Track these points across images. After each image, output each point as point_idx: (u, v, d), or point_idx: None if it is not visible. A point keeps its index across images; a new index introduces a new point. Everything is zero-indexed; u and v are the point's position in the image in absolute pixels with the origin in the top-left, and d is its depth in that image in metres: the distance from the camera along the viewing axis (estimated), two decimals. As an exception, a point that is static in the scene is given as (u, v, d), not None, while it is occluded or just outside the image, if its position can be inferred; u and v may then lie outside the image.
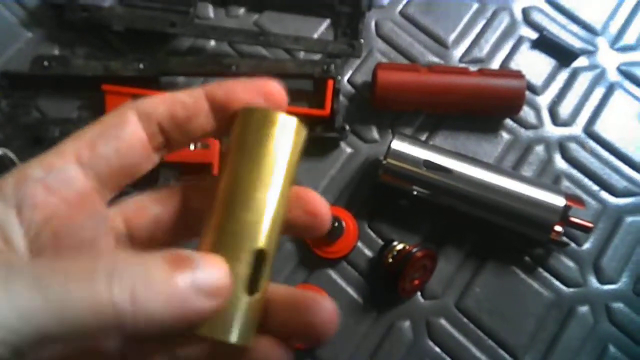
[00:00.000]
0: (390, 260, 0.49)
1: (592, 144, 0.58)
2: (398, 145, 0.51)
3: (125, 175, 0.26)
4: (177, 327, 0.20)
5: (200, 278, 0.21)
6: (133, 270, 0.20)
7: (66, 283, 0.18)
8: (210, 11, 0.61)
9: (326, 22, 0.62)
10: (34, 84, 0.56)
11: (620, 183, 0.56)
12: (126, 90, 0.54)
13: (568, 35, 0.63)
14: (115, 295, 0.19)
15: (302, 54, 0.61)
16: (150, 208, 0.28)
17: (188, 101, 0.25)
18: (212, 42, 0.61)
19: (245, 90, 0.25)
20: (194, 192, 0.28)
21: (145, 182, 0.51)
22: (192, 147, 0.52)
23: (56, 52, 0.59)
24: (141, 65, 0.55)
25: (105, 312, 0.19)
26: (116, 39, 0.59)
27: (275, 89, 0.26)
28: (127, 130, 0.25)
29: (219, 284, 0.22)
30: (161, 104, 0.25)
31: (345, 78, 0.60)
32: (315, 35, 0.61)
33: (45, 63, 0.55)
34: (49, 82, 0.56)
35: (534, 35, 0.63)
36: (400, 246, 0.49)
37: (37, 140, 0.53)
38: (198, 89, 0.26)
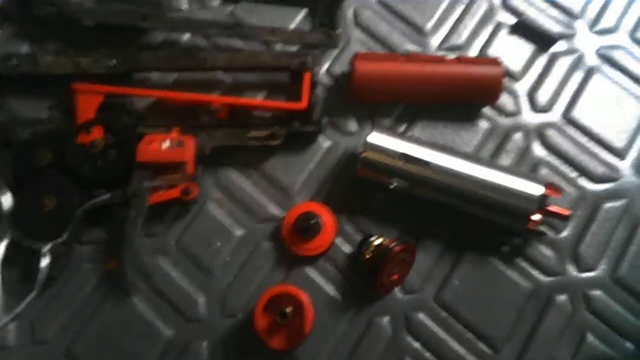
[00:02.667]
0: (369, 255, 0.49)
1: (571, 129, 0.58)
2: (375, 138, 0.51)
3: None
4: None
5: None
6: None
7: None
8: (184, 2, 0.60)
9: (303, 12, 0.61)
10: (2, 84, 0.55)
11: (599, 169, 0.56)
12: (97, 88, 0.53)
13: (546, 19, 0.62)
14: None
15: (278, 46, 0.59)
16: None
17: None
18: (187, 35, 0.59)
19: None
20: None
21: (119, 182, 0.50)
22: (166, 144, 0.51)
23: (25, 49, 0.57)
24: (113, 62, 0.54)
25: None
26: (87, 35, 0.58)
27: None
28: None
29: None
30: None
31: (324, 69, 0.59)
32: (292, 26, 0.60)
33: (14, 61, 0.54)
34: (17, 81, 0.54)
35: (512, 20, 0.62)
36: (378, 241, 0.49)
37: (6, 142, 0.51)
38: None
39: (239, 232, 0.52)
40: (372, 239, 0.50)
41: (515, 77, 0.60)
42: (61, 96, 0.54)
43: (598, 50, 0.61)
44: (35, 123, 0.53)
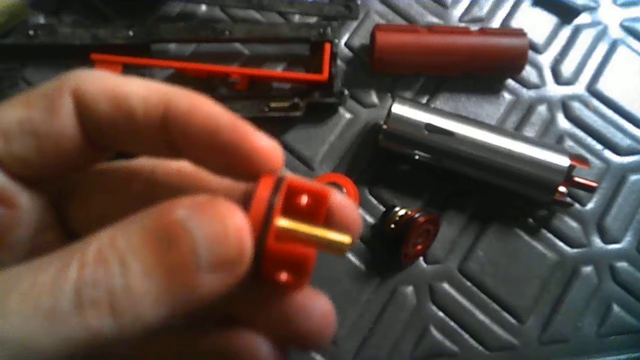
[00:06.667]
0: (393, 226, 0.48)
1: (595, 102, 0.57)
2: (398, 109, 0.50)
3: (52, 174, 0.20)
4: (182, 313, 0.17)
5: (202, 251, 0.16)
6: (107, 279, 0.15)
7: (29, 330, 0.14)
8: (200, -26, 0.59)
9: (321, -17, 0.60)
10: (20, 54, 0.54)
11: (624, 141, 0.55)
12: (116, 59, 0.52)
13: (570, -9, 0.61)
14: (92, 323, 0.15)
15: (297, 17, 0.59)
16: (96, 200, 0.22)
17: (138, 110, 0.19)
18: (203, 7, 0.59)
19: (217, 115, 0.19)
20: (164, 174, 0.22)
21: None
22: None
23: (42, 20, 0.56)
24: (131, 33, 0.53)
25: (82, 340, 0.15)
26: (104, 6, 0.57)
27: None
28: (57, 124, 0.19)
29: (234, 247, 0.17)
30: (105, 99, 0.19)
31: (343, 41, 0.58)
32: (310, -3, 0.59)
33: (31, 32, 0.53)
34: (35, 52, 0.54)
35: (535, -9, 0.61)
36: (402, 212, 0.49)
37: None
38: (156, 94, 0.19)
39: (259, 203, 0.52)
40: (396, 209, 0.49)
41: (538, 49, 0.59)
42: (80, 66, 0.53)
43: (622, 22, 0.60)
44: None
